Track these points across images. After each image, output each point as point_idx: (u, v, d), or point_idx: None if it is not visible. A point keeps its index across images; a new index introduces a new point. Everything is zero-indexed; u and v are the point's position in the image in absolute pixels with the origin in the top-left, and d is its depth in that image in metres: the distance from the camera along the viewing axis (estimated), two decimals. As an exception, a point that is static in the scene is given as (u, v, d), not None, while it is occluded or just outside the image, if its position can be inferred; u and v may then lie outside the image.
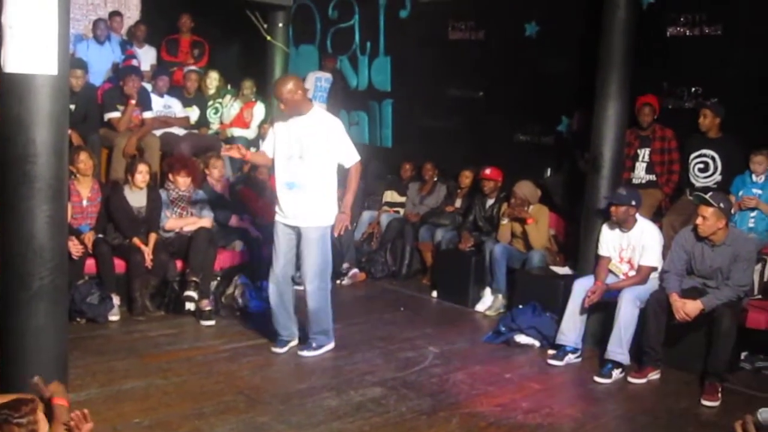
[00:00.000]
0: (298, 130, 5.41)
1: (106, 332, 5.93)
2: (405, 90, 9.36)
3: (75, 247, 6.00)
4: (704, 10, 6.83)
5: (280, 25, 9.44)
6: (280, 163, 5.51)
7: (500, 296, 7.09)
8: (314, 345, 5.69)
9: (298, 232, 5.53)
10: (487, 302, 7.16)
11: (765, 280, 6.09)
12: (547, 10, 7.95)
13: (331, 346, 5.77)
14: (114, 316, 6.16)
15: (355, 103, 10.00)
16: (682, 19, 6.98)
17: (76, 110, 7.36)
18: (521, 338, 6.16)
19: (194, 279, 6.34)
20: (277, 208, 5.60)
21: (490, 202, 7.61)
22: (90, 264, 6.22)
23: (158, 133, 7.85)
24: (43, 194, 3.61)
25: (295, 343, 5.78)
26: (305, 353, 5.65)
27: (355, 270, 7.97)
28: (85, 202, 6.45)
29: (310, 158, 5.38)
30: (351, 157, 5.52)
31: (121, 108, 7.62)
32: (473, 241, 7.49)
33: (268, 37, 9.26)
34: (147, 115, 7.84)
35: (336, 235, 5.63)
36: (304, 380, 5.14)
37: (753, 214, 6.26)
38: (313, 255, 5.49)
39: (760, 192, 6.26)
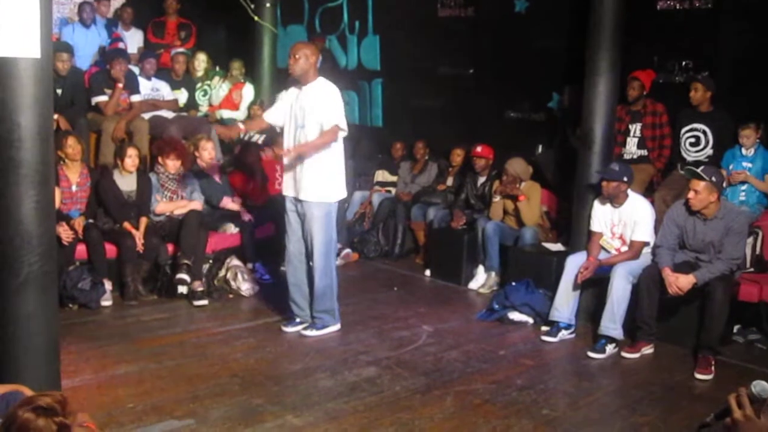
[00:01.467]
0: (300, 100, 5.48)
1: (98, 318, 5.91)
2: (395, 69, 9.31)
3: (65, 233, 5.97)
4: (694, -18, 6.80)
5: (268, 5, 9.35)
6: (287, 133, 5.57)
7: (493, 274, 7.09)
8: (318, 325, 5.69)
9: (302, 208, 5.53)
10: (480, 280, 7.16)
11: (757, 253, 6.12)
12: (537, -14, 7.91)
13: (336, 327, 5.76)
14: (106, 302, 6.13)
15: (344, 83, 9.83)
16: (672, -7, 6.95)
17: (63, 94, 7.31)
18: (515, 315, 6.17)
19: (186, 262, 6.31)
20: (284, 182, 5.64)
21: (482, 179, 7.60)
22: (81, 249, 6.19)
23: (147, 116, 7.79)
24: (29, 180, 3.57)
25: (305, 325, 5.78)
26: (308, 332, 5.66)
27: (347, 250, 7.95)
28: (74, 188, 6.41)
29: (309, 127, 5.41)
30: (331, 119, 5.40)
31: (109, 92, 7.56)
32: (465, 219, 7.48)
33: (256, 18, 9.17)
34: (135, 98, 7.77)
35: (276, 152, 5.52)
36: (298, 361, 5.14)
37: (744, 187, 6.27)
38: (317, 233, 5.50)
39: (750, 165, 6.27)
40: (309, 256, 5.63)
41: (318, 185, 5.46)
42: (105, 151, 7.33)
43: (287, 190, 5.62)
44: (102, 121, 7.47)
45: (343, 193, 5.70)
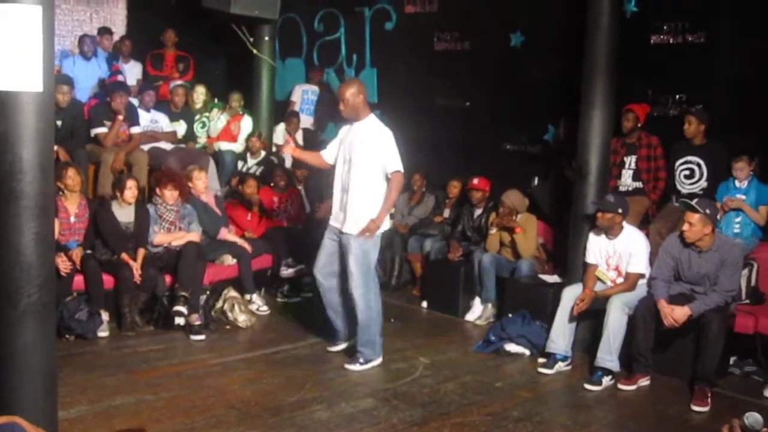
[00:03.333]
0: (351, 136, 5.63)
1: (95, 348, 5.90)
2: (392, 101, 9.38)
3: (63, 264, 5.97)
4: (687, 17, 6.91)
5: (266, 38, 9.44)
6: (338, 168, 5.71)
7: (490, 305, 7.10)
8: (361, 360, 5.72)
9: (342, 239, 5.64)
10: (477, 312, 7.17)
11: (752, 285, 6.14)
12: (532, 21, 8.02)
13: (378, 361, 5.78)
14: (103, 332, 6.12)
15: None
16: (665, 27, 7.06)
17: (63, 126, 7.35)
18: (511, 347, 6.18)
19: (183, 294, 6.31)
20: (332, 211, 5.79)
21: (479, 211, 7.64)
22: (78, 280, 6.19)
23: (145, 147, 7.85)
24: (29, 211, 3.59)
25: (345, 345, 5.95)
26: (351, 367, 5.69)
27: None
28: (72, 218, 6.43)
29: (357, 162, 5.55)
30: (392, 165, 5.57)
31: (108, 123, 7.62)
32: (462, 250, 7.51)
33: (255, 51, 9.26)
34: (134, 130, 7.83)
35: (358, 235, 5.58)
36: (295, 393, 5.13)
37: (738, 219, 6.30)
38: (351, 264, 5.59)
39: (743, 197, 6.31)
40: (342, 285, 5.76)
41: (358, 219, 5.56)
42: (104, 182, 7.36)
43: (333, 221, 5.74)
44: (101, 152, 7.52)
45: (385, 227, 5.79)
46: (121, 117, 7.57)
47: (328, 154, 5.89)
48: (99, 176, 7.47)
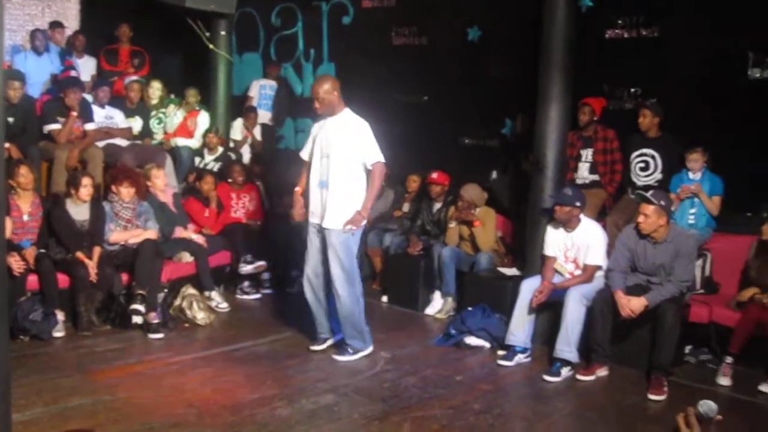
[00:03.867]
0: (328, 131, 5.61)
1: (50, 349, 5.80)
2: (350, 96, 9.26)
3: (16, 263, 5.86)
4: (641, 12, 6.99)
5: (223, 33, 9.36)
6: (314, 163, 5.68)
7: (450, 299, 7.13)
8: (350, 350, 5.77)
9: (323, 234, 5.63)
10: (437, 305, 7.20)
11: (706, 275, 6.25)
12: (489, 15, 8.06)
13: (368, 350, 5.85)
14: (58, 333, 6.02)
15: (300, 111, 9.97)
16: (620, 22, 7.14)
17: (15, 123, 7.21)
18: (471, 340, 6.21)
19: (141, 292, 6.24)
20: (310, 209, 5.73)
21: (438, 205, 7.66)
22: (32, 280, 6.08)
23: (100, 144, 7.72)
24: (-21, 210, 3.51)
25: (331, 342, 5.95)
26: (340, 358, 5.73)
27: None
28: (25, 217, 6.30)
29: (335, 157, 5.54)
30: (372, 156, 5.58)
31: (62, 120, 7.48)
32: (421, 245, 7.53)
33: (211, 46, 9.18)
34: (89, 126, 7.70)
35: (346, 229, 5.60)
36: (255, 390, 5.09)
37: (692, 210, 6.41)
38: (335, 260, 5.59)
39: (697, 189, 6.42)
40: (327, 279, 5.75)
41: (339, 213, 5.56)
42: (57, 180, 7.22)
43: (312, 216, 5.70)
44: (54, 149, 7.38)
45: (365, 222, 5.78)
46: (74, 113, 7.44)
47: (304, 154, 5.85)
48: (53, 174, 7.33)
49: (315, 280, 5.82)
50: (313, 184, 5.69)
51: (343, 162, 5.56)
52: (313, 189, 5.69)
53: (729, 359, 5.58)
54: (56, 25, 9.45)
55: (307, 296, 5.88)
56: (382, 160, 5.62)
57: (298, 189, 5.85)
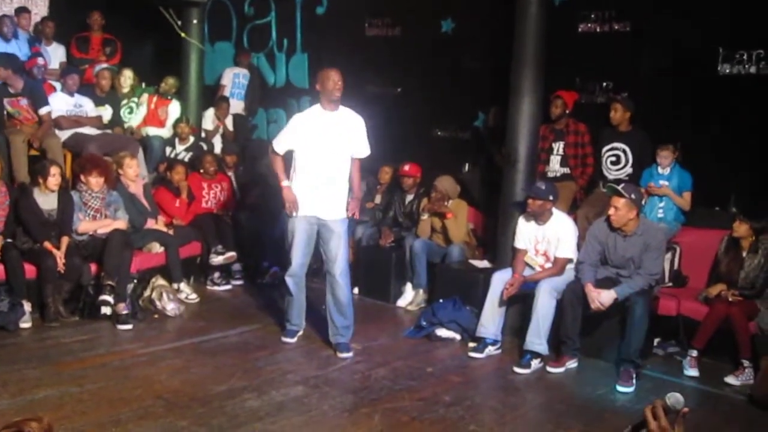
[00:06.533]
0: (331, 126, 5.60)
1: (17, 340, 5.73)
2: (323, 87, 9.31)
3: (-18, 253, 5.78)
4: (613, 6, 7.03)
5: (195, 21, 9.29)
6: (313, 157, 5.60)
7: (421, 291, 7.14)
8: (351, 346, 5.81)
9: (319, 226, 5.67)
10: (408, 297, 7.21)
11: (675, 268, 6.32)
12: (463, 7, 8.05)
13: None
14: (25, 323, 5.94)
15: (273, 101, 9.92)
16: (592, 16, 7.17)
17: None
18: (442, 332, 6.22)
19: (110, 282, 6.18)
20: (301, 204, 5.65)
21: (410, 197, 7.66)
22: (-2, 270, 6.01)
23: (68, 133, 7.60)
24: (-57, 199, 3.46)
25: (301, 333, 6.04)
26: (345, 354, 5.71)
27: (275, 268, 7.89)
28: (-9, 206, 6.21)
29: (342, 151, 5.61)
30: (366, 150, 5.80)
31: (7, 100, 7.26)
32: (393, 236, 7.53)
33: (183, 34, 9.10)
34: (43, 111, 7.39)
35: (349, 215, 5.76)
36: (224, 382, 5.06)
37: (661, 204, 6.47)
38: (342, 247, 5.68)
39: (667, 183, 6.48)
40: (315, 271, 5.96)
41: (342, 204, 5.68)
42: (17, 167, 6.99)
43: (310, 210, 5.65)
44: (9, 135, 7.11)
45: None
46: None
47: (284, 147, 5.72)
48: (12, 161, 7.02)
49: (301, 273, 5.85)
50: (314, 178, 5.61)
51: (348, 156, 5.66)
52: (314, 183, 5.61)
53: (694, 352, 5.65)
54: (21, 10, 9.27)
55: (292, 291, 5.89)
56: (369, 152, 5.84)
57: (287, 184, 5.69)
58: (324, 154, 5.60)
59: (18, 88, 7.29)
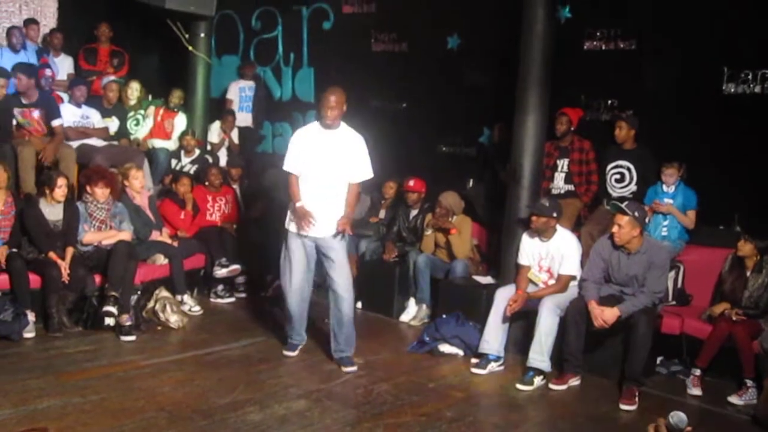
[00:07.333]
0: (330, 144, 5.59)
1: (20, 350, 5.73)
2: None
3: (-13, 262, 5.80)
4: (619, 24, 7.05)
5: (202, 35, 9.34)
6: (311, 176, 5.59)
7: (424, 306, 7.14)
8: (354, 360, 5.81)
9: (317, 244, 5.66)
10: (411, 312, 7.20)
11: (678, 286, 6.31)
12: (469, 24, 8.08)
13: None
14: (29, 333, 5.96)
15: (279, 115, 9.95)
16: (598, 34, 7.20)
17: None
18: (445, 348, 6.22)
19: (113, 294, 6.18)
20: (297, 222, 5.62)
21: (414, 212, 7.67)
22: (3, 279, 6.02)
23: (75, 144, 7.63)
24: (-49, 208, 3.48)
25: (302, 347, 6.05)
26: (348, 369, 5.72)
27: (278, 282, 7.89)
28: (-2, 216, 6.24)
29: (342, 170, 5.60)
30: (368, 173, 5.76)
31: (18, 111, 7.27)
32: (397, 251, 7.53)
33: (190, 48, 9.15)
34: (55, 123, 7.43)
35: (339, 230, 5.63)
36: (227, 395, 5.07)
37: (665, 222, 6.47)
38: (346, 265, 5.70)
39: (671, 201, 6.48)
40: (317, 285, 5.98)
41: (336, 221, 5.62)
42: (25, 178, 7.03)
43: (312, 231, 5.61)
44: (17, 145, 7.12)
45: None
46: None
47: (293, 166, 5.68)
48: (19, 172, 7.02)
49: (300, 291, 5.83)
50: (314, 195, 5.60)
51: (345, 176, 5.63)
52: (316, 202, 5.59)
53: (697, 371, 5.65)
54: (30, 21, 9.33)
55: (292, 308, 5.88)
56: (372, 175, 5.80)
57: (300, 204, 5.61)
58: (319, 173, 5.59)
59: (32, 99, 7.32)
